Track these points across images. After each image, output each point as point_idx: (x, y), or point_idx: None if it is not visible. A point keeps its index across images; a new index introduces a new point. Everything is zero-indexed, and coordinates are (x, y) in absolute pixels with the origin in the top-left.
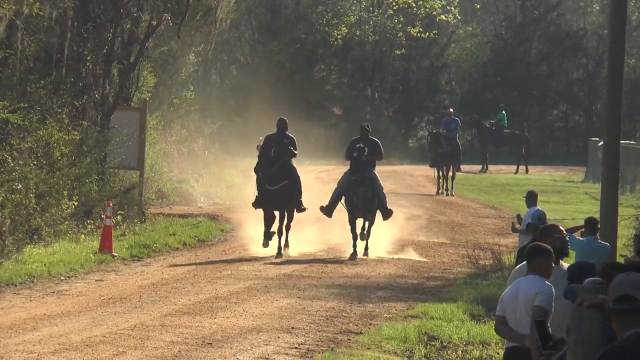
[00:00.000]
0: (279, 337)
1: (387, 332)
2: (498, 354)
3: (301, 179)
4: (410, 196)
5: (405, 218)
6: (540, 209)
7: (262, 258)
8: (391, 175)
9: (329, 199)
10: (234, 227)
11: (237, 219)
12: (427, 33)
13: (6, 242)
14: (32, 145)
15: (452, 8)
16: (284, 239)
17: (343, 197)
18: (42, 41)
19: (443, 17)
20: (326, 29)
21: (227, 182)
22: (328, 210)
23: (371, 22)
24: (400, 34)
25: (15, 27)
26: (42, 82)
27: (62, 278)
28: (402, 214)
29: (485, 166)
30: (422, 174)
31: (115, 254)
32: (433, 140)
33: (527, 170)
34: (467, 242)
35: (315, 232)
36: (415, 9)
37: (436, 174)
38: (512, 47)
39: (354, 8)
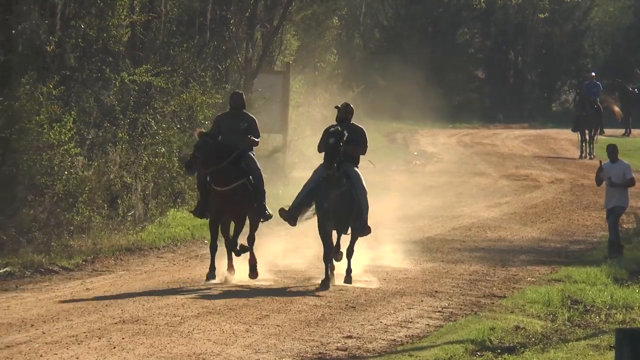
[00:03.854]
0: (422, 300)
1: (531, 295)
2: None
3: (263, 175)
4: (553, 160)
5: (549, 182)
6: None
7: (410, 218)
8: (534, 140)
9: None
10: (377, 191)
11: (381, 182)
12: None
13: (150, 205)
14: (175, 108)
15: None
16: (250, 257)
17: (313, 202)
18: (185, 4)
19: None
20: None
21: (370, 145)
22: (290, 215)
23: None
24: None
25: None
26: (185, 45)
27: (205, 242)
28: (546, 178)
29: (628, 130)
30: (565, 138)
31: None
32: (577, 104)
33: None
34: None
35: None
36: None
37: (579, 138)
38: None
39: None
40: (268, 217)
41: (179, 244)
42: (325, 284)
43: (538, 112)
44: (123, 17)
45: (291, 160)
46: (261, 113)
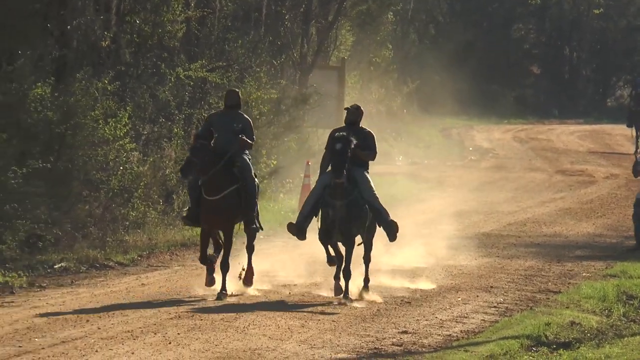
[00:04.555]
0: (477, 296)
1: (586, 291)
2: None
3: (257, 183)
4: (608, 155)
5: (604, 177)
6: None
7: (465, 213)
8: (589, 135)
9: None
10: (433, 186)
11: (437, 178)
12: None
13: None
14: None
15: None
16: (244, 268)
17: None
18: (239, 0)
19: None
20: None
21: (425, 141)
22: (299, 229)
23: None
24: None
25: None
26: (240, 41)
27: (261, 237)
28: (601, 173)
29: None
30: (620, 133)
31: None
32: (633, 99)
33: None
34: None
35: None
36: None
37: (634, 133)
38: None
39: None
40: (255, 229)
41: (234, 239)
42: (330, 257)
43: (593, 107)
44: (178, 12)
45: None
46: (316, 108)
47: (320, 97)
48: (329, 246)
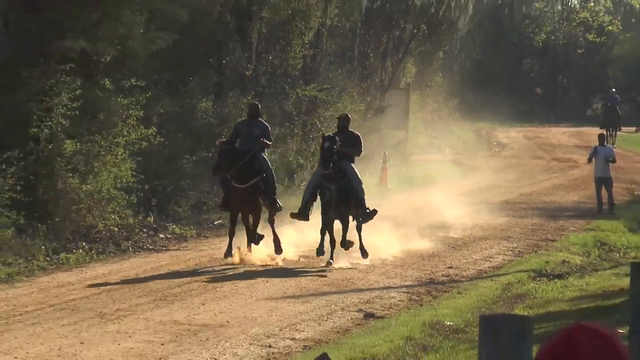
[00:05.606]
0: (499, 242)
1: (573, 239)
2: None
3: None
4: (588, 148)
5: (584, 163)
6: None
7: (491, 187)
8: (575, 134)
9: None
10: (469, 169)
11: (471, 164)
12: (599, 38)
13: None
14: (333, 113)
15: (616, 21)
16: (274, 236)
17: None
18: (339, 43)
19: (610, 27)
20: (531, 34)
21: (464, 138)
22: (302, 214)
23: (561, 31)
24: (581, 39)
25: (321, 33)
26: (339, 70)
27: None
28: (583, 160)
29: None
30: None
31: (389, 187)
32: (604, 109)
33: None
34: (627, 179)
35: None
36: (590, 21)
37: (606, 133)
38: None
39: (549, 22)
40: (278, 209)
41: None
42: (320, 250)
43: (577, 115)
44: (298, 51)
45: (410, 149)
46: (389, 117)
47: (392, 109)
48: (325, 235)
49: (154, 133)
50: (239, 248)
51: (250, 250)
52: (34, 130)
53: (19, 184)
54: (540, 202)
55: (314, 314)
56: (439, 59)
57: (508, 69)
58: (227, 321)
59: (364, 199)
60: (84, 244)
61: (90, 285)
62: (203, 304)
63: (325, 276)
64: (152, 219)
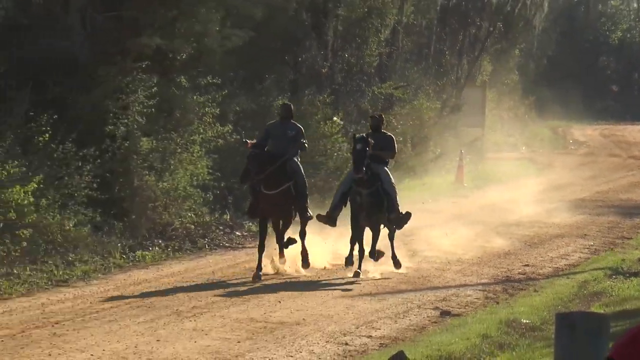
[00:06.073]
0: (575, 240)
1: None
2: None
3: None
4: None
5: None
6: None
7: (566, 185)
8: None
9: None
10: (545, 167)
11: (547, 161)
12: None
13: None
14: (409, 111)
15: None
16: (302, 249)
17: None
18: (415, 41)
19: None
20: (607, 32)
21: (540, 136)
22: (330, 218)
23: (637, 29)
24: None
25: (397, 31)
26: (415, 68)
27: (430, 200)
28: None
29: None
30: None
31: (465, 184)
32: None
33: None
34: None
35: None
36: None
37: None
38: None
39: (624, 19)
40: (308, 217)
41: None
42: (350, 260)
43: None
44: (374, 49)
45: (486, 147)
46: (467, 115)
47: (469, 107)
48: (355, 244)
49: (230, 131)
50: (272, 259)
51: (283, 256)
52: (110, 127)
53: (96, 181)
54: (617, 200)
55: (390, 311)
56: (514, 57)
57: (583, 66)
58: (304, 319)
59: (397, 204)
60: (160, 241)
61: (167, 283)
62: (279, 302)
63: (402, 274)
64: (228, 217)
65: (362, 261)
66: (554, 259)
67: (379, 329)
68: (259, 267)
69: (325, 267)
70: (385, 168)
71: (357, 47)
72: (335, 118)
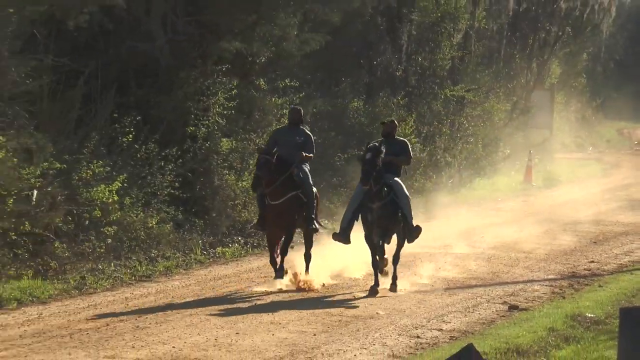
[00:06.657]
0: None
1: None
2: None
3: (315, 190)
4: None
5: None
6: None
7: (630, 185)
8: None
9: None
10: (611, 167)
11: (613, 161)
12: None
13: (462, 176)
14: (480, 112)
15: None
16: (305, 268)
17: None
18: (486, 45)
19: None
20: None
21: (606, 137)
22: (343, 236)
23: None
24: None
25: (469, 35)
26: (486, 71)
27: (499, 199)
28: None
29: None
30: None
31: (534, 184)
32: None
33: None
34: None
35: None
36: None
37: None
38: None
39: None
40: (315, 229)
41: (481, 202)
42: (374, 290)
43: None
44: (447, 53)
45: (554, 147)
46: (536, 116)
47: (537, 109)
48: (377, 268)
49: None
50: (295, 274)
51: (307, 272)
52: (191, 128)
53: (177, 180)
54: None
55: (460, 305)
56: (582, 60)
57: None
58: (377, 312)
59: (411, 217)
60: (239, 238)
61: (246, 278)
62: (354, 297)
63: (471, 269)
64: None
65: (397, 269)
66: (619, 255)
67: (449, 323)
68: (281, 268)
69: (323, 284)
70: (398, 179)
71: (430, 50)
72: (409, 119)
